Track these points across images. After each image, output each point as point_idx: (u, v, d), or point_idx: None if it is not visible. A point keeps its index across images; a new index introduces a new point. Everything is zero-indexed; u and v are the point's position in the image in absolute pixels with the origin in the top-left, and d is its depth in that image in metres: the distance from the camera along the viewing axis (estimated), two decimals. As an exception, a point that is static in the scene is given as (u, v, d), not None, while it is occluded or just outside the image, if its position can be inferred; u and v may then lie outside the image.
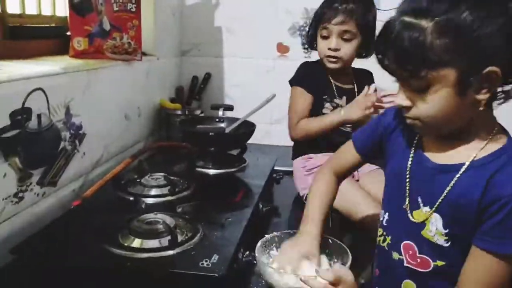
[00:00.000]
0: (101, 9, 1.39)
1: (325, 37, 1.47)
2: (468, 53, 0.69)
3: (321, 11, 1.49)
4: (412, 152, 0.86)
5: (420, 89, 0.74)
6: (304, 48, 1.92)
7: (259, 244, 0.93)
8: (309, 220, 0.96)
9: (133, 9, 1.46)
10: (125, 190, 1.20)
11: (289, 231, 0.98)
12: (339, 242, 0.94)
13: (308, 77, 1.54)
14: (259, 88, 2.03)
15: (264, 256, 0.93)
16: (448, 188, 0.78)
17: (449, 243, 0.79)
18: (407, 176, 0.86)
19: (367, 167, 1.52)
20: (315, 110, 1.53)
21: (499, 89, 0.73)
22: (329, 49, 1.46)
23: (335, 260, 0.93)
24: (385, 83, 1.83)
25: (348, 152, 1.01)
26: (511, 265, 0.74)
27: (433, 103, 0.74)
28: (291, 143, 1.92)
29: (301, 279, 0.81)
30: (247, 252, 0.96)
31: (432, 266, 0.82)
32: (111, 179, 1.29)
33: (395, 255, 0.88)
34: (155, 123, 1.82)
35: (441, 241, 0.80)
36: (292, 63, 1.99)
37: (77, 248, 0.93)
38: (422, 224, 0.82)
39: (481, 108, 0.72)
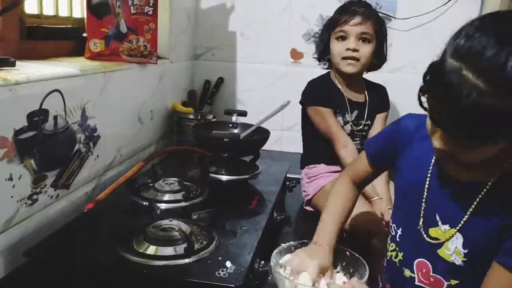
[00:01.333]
0: (119, 12, 1.38)
1: (342, 38, 1.45)
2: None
3: (335, 17, 1.49)
4: (431, 165, 0.83)
5: (467, 146, 0.67)
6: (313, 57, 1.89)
7: (274, 254, 0.92)
8: (323, 231, 0.94)
9: (150, 12, 1.46)
10: (139, 195, 1.18)
11: (305, 241, 0.96)
12: (356, 255, 0.92)
13: (319, 93, 1.51)
14: (271, 94, 2.03)
15: (278, 266, 0.91)
16: (472, 207, 0.76)
17: (466, 263, 0.77)
18: (425, 192, 0.83)
19: None
20: None
21: None
22: (348, 49, 1.43)
23: (352, 273, 0.91)
24: (399, 95, 1.84)
25: (363, 160, 0.98)
26: None
27: (476, 156, 0.68)
28: (299, 150, 1.92)
29: None
30: (263, 262, 0.94)
31: (445, 285, 0.80)
32: (124, 182, 1.28)
33: (407, 273, 0.86)
34: (167, 127, 1.81)
35: (458, 261, 0.78)
36: (305, 69, 2.00)
37: (91, 253, 0.91)
38: (440, 243, 0.80)
39: None
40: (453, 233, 0.78)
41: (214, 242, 0.95)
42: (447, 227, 0.79)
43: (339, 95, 1.51)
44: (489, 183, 0.75)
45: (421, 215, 0.83)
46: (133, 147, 1.51)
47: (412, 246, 0.86)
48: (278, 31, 2.01)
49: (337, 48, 1.47)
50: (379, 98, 1.57)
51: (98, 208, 1.14)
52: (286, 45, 2.02)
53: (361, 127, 1.53)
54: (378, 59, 1.51)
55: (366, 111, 1.54)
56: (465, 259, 0.77)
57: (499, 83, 0.58)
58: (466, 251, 0.77)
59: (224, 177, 1.37)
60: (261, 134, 1.45)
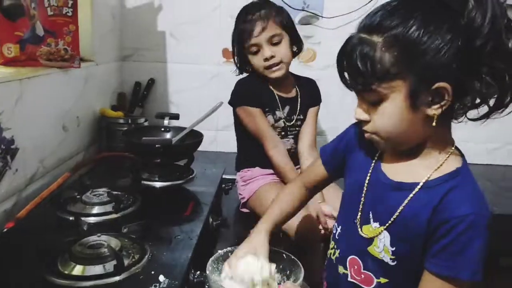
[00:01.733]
0: (34, 14, 1.29)
1: (256, 52, 1.44)
2: (416, 66, 0.70)
3: (237, 31, 1.47)
4: (372, 165, 0.86)
5: (374, 102, 0.75)
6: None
7: (210, 262, 0.90)
8: (264, 218, 0.97)
9: (70, 14, 1.37)
10: (64, 209, 1.11)
11: (233, 247, 0.94)
12: (292, 257, 0.92)
13: (248, 93, 1.50)
14: (204, 95, 2.00)
15: (215, 274, 0.90)
16: (401, 207, 0.78)
17: (395, 262, 0.79)
18: (364, 190, 0.86)
19: None
20: None
21: (457, 106, 0.74)
22: (266, 59, 1.43)
23: (288, 275, 0.92)
24: (332, 91, 1.88)
25: (317, 165, 1.00)
26: None
27: (387, 116, 0.75)
28: (233, 150, 1.91)
29: None
30: (198, 273, 0.92)
31: (375, 283, 0.82)
32: (48, 196, 1.20)
33: (341, 269, 0.88)
34: (95, 133, 1.72)
35: (387, 258, 0.80)
36: (237, 81, 1.98)
37: (12, 278, 0.84)
38: (370, 240, 0.82)
39: (434, 124, 0.73)
40: (381, 230, 0.80)
41: (147, 256, 0.91)
42: (377, 224, 0.82)
43: (268, 93, 1.51)
44: (419, 185, 0.77)
45: (359, 211, 0.86)
46: (58, 158, 1.42)
47: (347, 243, 0.88)
48: (209, 31, 1.98)
49: (256, 61, 1.46)
50: (309, 91, 1.58)
51: (19, 226, 1.06)
52: (218, 44, 1.99)
53: (293, 122, 1.54)
54: (296, 46, 1.52)
55: (299, 105, 1.54)
56: (393, 257, 0.79)
57: (373, 33, 0.72)
58: (394, 249, 0.79)
59: (158, 184, 1.33)
60: (195, 138, 1.41)
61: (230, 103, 1.52)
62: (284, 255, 0.93)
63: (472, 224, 0.71)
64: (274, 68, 1.45)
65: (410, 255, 0.78)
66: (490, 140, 2.09)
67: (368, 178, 0.86)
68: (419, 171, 0.78)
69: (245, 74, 1.57)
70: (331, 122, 2.04)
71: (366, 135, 0.81)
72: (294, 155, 1.55)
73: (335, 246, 0.92)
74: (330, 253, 0.93)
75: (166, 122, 1.54)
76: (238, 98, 1.51)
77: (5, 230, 1.04)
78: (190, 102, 1.98)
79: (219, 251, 0.94)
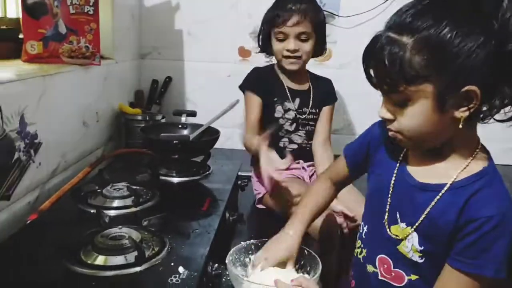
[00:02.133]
0: (57, 12, 1.32)
1: (281, 40, 1.47)
2: (446, 69, 0.69)
3: (272, 14, 1.49)
4: (397, 166, 0.86)
5: (401, 103, 0.75)
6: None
7: (231, 252, 0.92)
8: (292, 221, 0.99)
9: (91, 12, 1.40)
10: (86, 202, 1.14)
11: (264, 239, 0.97)
12: (313, 253, 0.94)
13: (257, 80, 1.54)
14: (220, 93, 2.01)
15: (235, 265, 0.92)
16: (428, 208, 0.79)
17: (423, 259, 0.80)
18: (390, 190, 0.86)
19: None
20: (268, 114, 1.53)
21: (484, 108, 0.73)
22: (288, 50, 1.47)
23: (309, 271, 0.93)
24: (347, 90, 1.89)
25: (340, 162, 1.02)
26: (482, 285, 0.75)
27: (413, 117, 0.75)
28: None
29: None
30: (216, 265, 0.94)
31: (406, 280, 0.83)
32: (70, 190, 1.24)
33: (370, 268, 0.89)
34: (114, 129, 1.76)
35: (416, 257, 0.81)
36: (254, 67, 1.99)
37: (36, 267, 0.87)
38: (399, 240, 0.83)
39: (460, 126, 0.72)
40: (410, 231, 0.81)
41: (166, 248, 0.93)
42: (404, 225, 0.83)
43: (278, 84, 1.54)
44: (446, 186, 0.78)
45: (386, 211, 0.86)
46: (78, 152, 1.45)
47: (375, 243, 0.89)
48: (226, 29, 2.00)
49: (278, 47, 1.49)
50: (324, 89, 1.60)
51: (42, 218, 1.09)
52: (234, 43, 2.01)
53: (306, 115, 1.55)
54: (319, 50, 1.55)
55: (311, 98, 1.56)
56: (421, 255, 0.80)
57: (403, 33, 0.71)
58: (422, 248, 0.80)
59: (175, 179, 1.35)
60: (211, 135, 1.44)
61: (239, 86, 1.57)
62: (305, 251, 0.95)
63: (498, 224, 0.72)
64: (292, 60, 1.49)
65: (437, 253, 0.79)
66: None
67: (393, 179, 0.86)
68: (445, 172, 0.79)
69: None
70: (344, 121, 2.05)
71: (390, 133, 0.81)
72: (306, 151, 1.56)
73: (362, 246, 0.93)
74: (357, 252, 0.94)
75: (183, 119, 1.57)
76: (246, 82, 1.56)
77: (28, 221, 1.07)
78: (207, 100, 2.00)
79: (242, 243, 0.96)
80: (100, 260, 0.88)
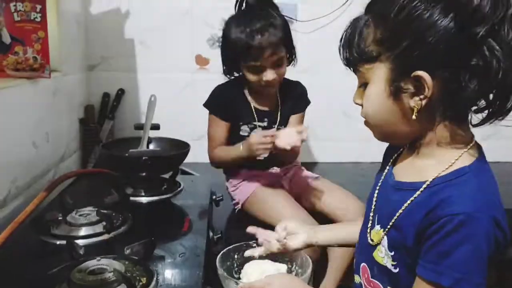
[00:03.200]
0: (0, 20, 1.17)
1: (256, 71, 1.36)
2: (395, 49, 0.65)
3: (237, 44, 1.33)
4: (386, 169, 0.81)
5: (363, 85, 0.72)
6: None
7: (224, 273, 0.87)
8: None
9: (38, 19, 1.26)
10: (48, 233, 1.00)
11: (250, 242, 0.98)
12: (303, 252, 0.94)
13: (222, 104, 1.45)
14: (179, 103, 1.92)
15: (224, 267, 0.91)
16: (400, 210, 0.71)
17: (397, 268, 0.72)
18: (375, 194, 0.81)
19: (303, 177, 1.50)
20: (233, 133, 1.46)
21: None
22: (267, 81, 1.36)
23: (296, 269, 0.94)
24: (320, 97, 1.86)
25: None
26: None
27: (369, 101, 0.71)
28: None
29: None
30: (213, 291, 0.85)
31: None
32: (26, 220, 1.08)
33: (357, 278, 0.83)
34: (66, 149, 1.60)
35: (389, 264, 0.73)
36: (213, 75, 1.91)
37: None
38: (374, 245, 0.77)
39: (413, 117, 0.66)
40: (382, 234, 0.75)
41: (155, 278, 0.82)
42: (379, 227, 0.76)
43: (245, 106, 1.46)
44: (424, 185, 0.70)
45: (370, 216, 0.81)
46: (30, 176, 1.29)
47: (360, 250, 0.84)
48: (180, 37, 1.91)
49: (254, 79, 1.38)
50: (293, 99, 1.51)
51: (-1, 256, 0.93)
52: (190, 51, 1.93)
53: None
54: (291, 60, 1.47)
55: (279, 116, 1.48)
56: (394, 263, 0.72)
57: (366, 11, 0.70)
58: (393, 253, 0.72)
59: (144, 199, 1.24)
60: (181, 148, 1.34)
61: (204, 105, 1.49)
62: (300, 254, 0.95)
63: (462, 224, 0.61)
64: (270, 87, 1.41)
65: (410, 262, 0.69)
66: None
67: (380, 181, 0.81)
68: (425, 171, 0.71)
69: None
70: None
71: (364, 122, 0.76)
72: (276, 157, 1.46)
73: (355, 255, 0.88)
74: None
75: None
76: (212, 106, 1.47)
77: (-18, 261, 0.91)
78: (165, 112, 1.88)
79: (221, 253, 0.94)
80: (80, 300, 0.76)
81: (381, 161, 0.87)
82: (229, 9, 1.68)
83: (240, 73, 1.44)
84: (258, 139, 1.30)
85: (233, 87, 1.47)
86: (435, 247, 0.64)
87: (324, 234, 0.98)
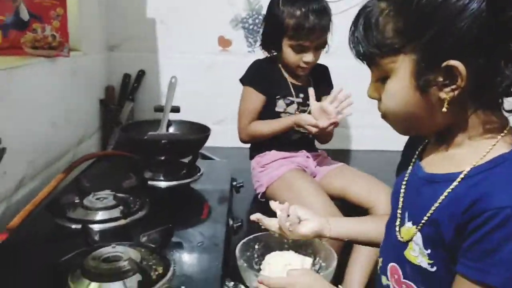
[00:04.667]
0: (17, -6, 1.13)
1: (298, 50, 1.38)
2: (422, 39, 0.59)
3: (286, 22, 1.34)
4: (413, 162, 0.75)
5: (382, 79, 0.66)
6: (257, 44, 1.75)
7: (243, 264, 0.81)
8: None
9: (57, -5, 1.22)
10: (64, 216, 0.97)
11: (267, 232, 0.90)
12: (327, 245, 0.88)
13: (260, 76, 1.46)
14: (200, 86, 1.87)
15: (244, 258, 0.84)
16: (436, 203, 0.65)
17: (435, 267, 0.66)
18: (402, 189, 0.75)
19: (328, 165, 1.46)
20: (268, 108, 1.46)
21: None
22: (305, 62, 1.39)
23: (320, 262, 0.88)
24: (342, 78, 1.79)
25: None
26: None
27: (392, 96, 0.65)
28: (235, 144, 1.79)
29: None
30: (232, 283, 0.81)
31: None
32: (42, 202, 1.06)
33: (384, 280, 0.76)
34: (85, 130, 1.57)
35: (425, 263, 0.67)
36: (235, 57, 1.87)
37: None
38: (405, 243, 0.70)
39: (444, 110, 0.61)
40: (414, 232, 0.69)
41: (171, 268, 0.78)
42: (410, 224, 0.70)
43: (282, 81, 1.47)
44: (459, 176, 0.64)
45: (398, 213, 0.75)
46: (47, 158, 1.27)
47: (388, 249, 0.78)
48: (203, 18, 1.85)
49: (294, 59, 1.40)
50: (322, 79, 1.55)
51: (13, 238, 0.91)
52: (213, 32, 1.87)
53: (307, 107, 1.48)
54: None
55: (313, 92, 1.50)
56: (431, 262, 0.66)
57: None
58: (429, 251, 0.67)
59: (163, 183, 1.20)
60: (201, 132, 1.29)
61: (241, 80, 1.49)
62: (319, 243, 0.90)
63: (508, 219, 0.56)
64: (306, 70, 1.43)
65: (449, 260, 0.64)
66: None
67: (407, 175, 0.75)
68: (461, 160, 0.65)
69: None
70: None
71: (381, 115, 0.71)
72: (308, 140, 1.53)
73: (379, 255, 0.81)
74: (378, 263, 0.83)
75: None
76: (249, 78, 1.47)
77: (-4, 243, 0.89)
78: (186, 94, 1.84)
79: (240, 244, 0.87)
80: (93, 288, 0.72)
81: None
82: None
83: (274, 53, 1.47)
84: (310, 120, 1.32)
85: (270, 63, 1.49)
86: (479, 244, 0.58)
87: (337, 225, 0.91)
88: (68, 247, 0.83)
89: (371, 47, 0.63)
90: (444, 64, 0.58)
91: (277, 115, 1.45)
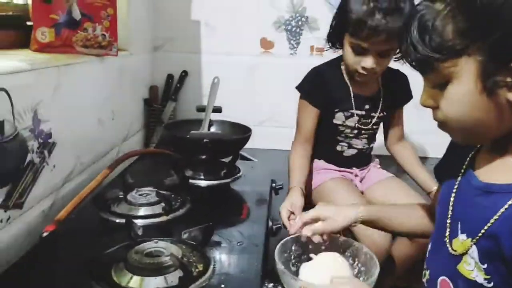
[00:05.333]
0: (71, -5, 1.18)
1: (358, 53, 1.19)
2: (488, 38, 0.56)
3: (355, 19, 1.14)
4: (463, 169, 0.72)
5: (441, 85, 0.62)
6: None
7: (281, 267, 0.79)
8: None
9: (108, -4, 1.26)
10: (108, 210, 1.00)
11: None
12: (371, 253, 0.83)
13: (317, 87, 1.29)
14: (242, 87, 1.88)
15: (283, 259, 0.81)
16: (496, 215, 0.62)
17: (492, 283, 0.62)
18: (452, 198, 0.71)
19: (377, 175, 1.39)
20: (325, 120, 1.31)
21: None
22: (364, 68, 1.19)
23: (364, 271, 0.83)
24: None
25: None
26: None
27: (455, 102, 0.61)
28: (275, 146, 1.79)
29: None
30: (271, 285, 0.80)
31: None
32: (88, 196, 1.09)
33: None
34: (129, 128, 1.61)
35: (480, 278, 0.63)
36: (277, 59, 1.87)
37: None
38: (459, 257, 0.67)
39: None
40: (469, 245, 0.65)
41: (211, 266, 0.79)
42: (464, 237, 0.67)
43: (343, 91, 1.30)
44: None
45: (447, 223, 0.72)
46: (94, 153, 1.31)
47: (437, 262, 0.74)
48: (246, 19, 1.86)
49: (352, 60, 1.21)
50: (396, 88, 1.35)
51: (60, 230, 0.94)
52: (255, 34, 1.87)
53: (372, 119, 1.33)
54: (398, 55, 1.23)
55: (381, 102, 1.33)
56: (488, 277, 0.63)
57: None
58: (485, 266, 0.63)
59: (203, 182, 1.21)
60: (242, 132, 1.29)
61: (297, 88, 1.34)
62: (364, 250, 0.85)
63: None
64: (365, 77, 1.23)
65: (509, 275, 0.61)
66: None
67: (457, 184, 0.71)
68: None
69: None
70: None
71: (438, 125, 0.67)
72: (364, 156, 1.39)
73: (426, 267, 0.78)
74: (423, 275, 0.79)
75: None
76: (305, 88, 1.31)
77: (45, 234, 0.92)
78: (228, 95, 1.85)
79: (279, 247, 0.84)
80: (135, 281, 0.74)
81: None
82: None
83: (337, 48, 1.29)
84: (284, 218, 1.03)
85: (331, 68, 1.32)
86: None
87: (369, 208, 0.89)
88: (111, 240, 0.86)
89: (429, 51, 0.60)
90: None
91: (335, 127, 1.31)
